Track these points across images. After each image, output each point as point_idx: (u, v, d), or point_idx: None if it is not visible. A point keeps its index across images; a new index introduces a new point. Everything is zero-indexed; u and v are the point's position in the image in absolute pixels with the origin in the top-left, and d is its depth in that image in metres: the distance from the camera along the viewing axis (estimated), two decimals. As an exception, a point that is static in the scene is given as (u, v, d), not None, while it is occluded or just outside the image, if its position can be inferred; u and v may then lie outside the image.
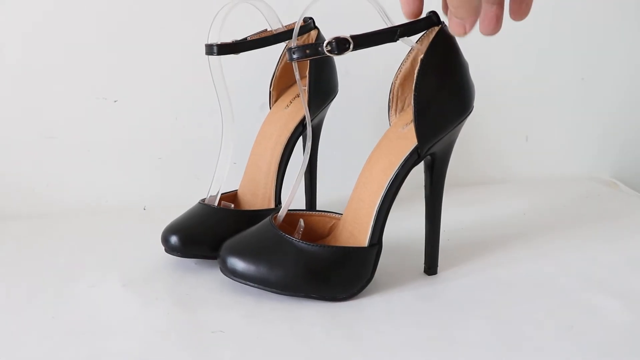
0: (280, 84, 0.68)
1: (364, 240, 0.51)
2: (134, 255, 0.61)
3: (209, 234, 0.58)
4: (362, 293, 0.51)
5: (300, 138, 0.67)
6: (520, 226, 0.68)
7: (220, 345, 0.44)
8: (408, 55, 0.53)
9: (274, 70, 0.67)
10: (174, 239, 0.57)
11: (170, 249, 0.57)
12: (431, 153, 0.52)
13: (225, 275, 0.52)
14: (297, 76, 0.51)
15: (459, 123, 0.52)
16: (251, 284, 0.50)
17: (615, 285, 0.52)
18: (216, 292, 0.53)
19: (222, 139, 0.63)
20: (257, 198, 0.64)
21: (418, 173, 0.54)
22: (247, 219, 0.59)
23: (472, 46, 0.78)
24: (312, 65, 0.63)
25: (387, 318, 0.48)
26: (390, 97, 0.55)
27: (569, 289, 0.52)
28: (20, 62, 0.76)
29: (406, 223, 0.64)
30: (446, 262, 0.57)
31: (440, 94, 0.50)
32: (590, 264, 0.57)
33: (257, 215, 0.60)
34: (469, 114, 0.53)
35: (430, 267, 0.56)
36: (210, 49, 0.58)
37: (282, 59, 0.67)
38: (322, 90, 0.65)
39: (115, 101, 0.78)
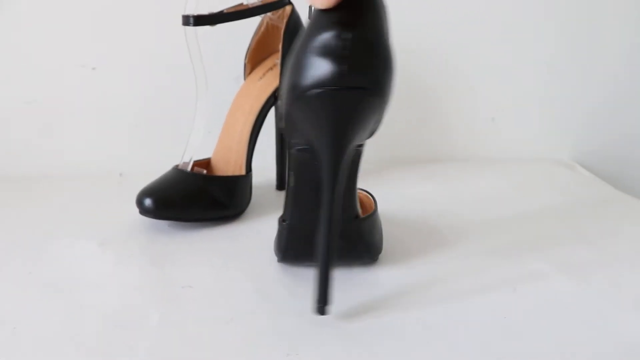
0: (255, 57, 0.70)
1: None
2: (109, 217, 0.64)
3: (182, 197, 0.60)
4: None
5: (272, 109, 0.69)
6: (478, 201, 0.71)
7: (189, 299, 0.47)
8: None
9: (249, 43, 0.69)
10: (148, 202, 0.59)
11: (144, 211, 0.59)
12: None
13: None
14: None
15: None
16: None
17: (560, 254, 0.55)
18: (186, 252, 0.56)
19: (196, 108, 0.65)
20: (229, 165, 0.67)
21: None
22: (217, 183, 0.62)
23: (442, 26, 0.81)
24: (285, 39, 0.65)
25: (349, 282, 0.50)
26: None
27: (515, 257, 0.55)
28: (0, 27, 0.77)
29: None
30: (399, 228, 0.61)
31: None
32: (539, 237, 0.60)
33: (227, 181, 0.63)
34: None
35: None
36: (187, 20, 0.60)
37: (258, 33, 0.69)
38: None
39: (93, 68, 0.79)
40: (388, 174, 0.81)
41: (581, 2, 0.88)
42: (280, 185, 0.75)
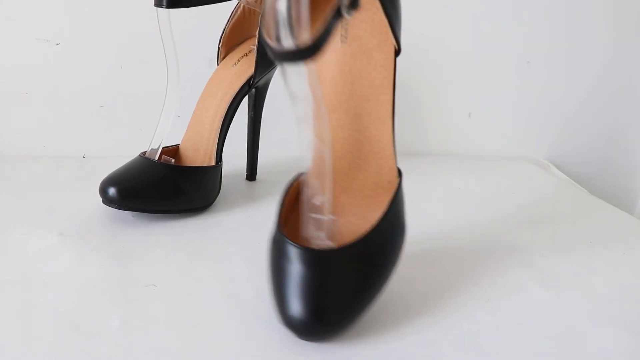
0: (230, 42, 0.67)
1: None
2: (70, 205, 0.61)
3: (148, 187, 0.57)
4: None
5: (246, 97, 0.67)
6: (450, 201, 0.70)
7: (152, 299, 0.45)
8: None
9: (224, 26, 0.66)
10: (112, 191, 0.56)
11: (108, 200, 0.57)
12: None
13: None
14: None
15: None
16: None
17: (535, 264, 0.54)
18: (151, 247, 0.53)
19: (166, 92, 0.62)
20: (198, 154, 0.64)
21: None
22: (186, 174, 0.60)
23: (422, 20, 0.79)
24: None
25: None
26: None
27: (489, 264, 0.54)
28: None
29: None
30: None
31: None
32: (512, 242, 0.59)
33: (196, 172, 0.61)
34: None
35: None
36: (160, 1, 0.57)
37: (233, 16, 0.66)
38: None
39: (57, 44, 0.75)
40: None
41: (561, 2, 0.87)
42: (250, 176, 0.72)
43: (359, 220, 0.47)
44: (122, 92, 0.78)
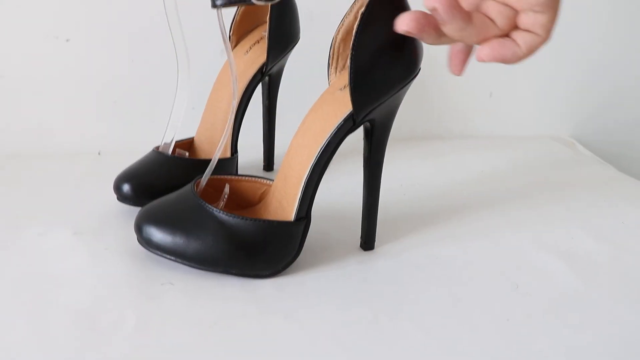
0: (241, 29, 0.66)
1: (291, 213, 0.47)
2: (85, 203, 0.60)
3: (162, 182, 0.56)
4: (289, 269, 0.48)
5: (260, 85, 0.65)
6: (477, 182, 0.68)
7: (169, 298, 0.44)
8: (352, 6, 0.48)
9: (234, 14, 0.65)
10: (126, 188, 0.56)
11: (122, 197, 0.56)
12: (370, 119, 0.47)
13: (140, 244, 0.48)
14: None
15: (402, 87, 0.47)
16: (167, 256, 0.46)
17: (564, 247, 0.53)
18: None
19: (177, 84, 0.60)
20: (213, 146, 0.62)
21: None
22: (201, 167, 0.58)
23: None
24: (272, 10, 0.60)
25: (309, 296, 0.45)
26: (331, 53, 0.50)
27: (518, 248, 0.52)
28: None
29: (346, 189, 0.63)
30: (393, 212, 0.57)
31: (381, 54, 0.44)
32: (541, 223, 0.57)
33: (212, 165, 0.59)
34: (414, 77, 0.47)
35: (367, 241, 0.51)
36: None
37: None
38: (283, 36, 0.63)
39: (67, 40, 0.74)
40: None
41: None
42: (268, 166, 0.71)
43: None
44: (134, 87, 0.77)
